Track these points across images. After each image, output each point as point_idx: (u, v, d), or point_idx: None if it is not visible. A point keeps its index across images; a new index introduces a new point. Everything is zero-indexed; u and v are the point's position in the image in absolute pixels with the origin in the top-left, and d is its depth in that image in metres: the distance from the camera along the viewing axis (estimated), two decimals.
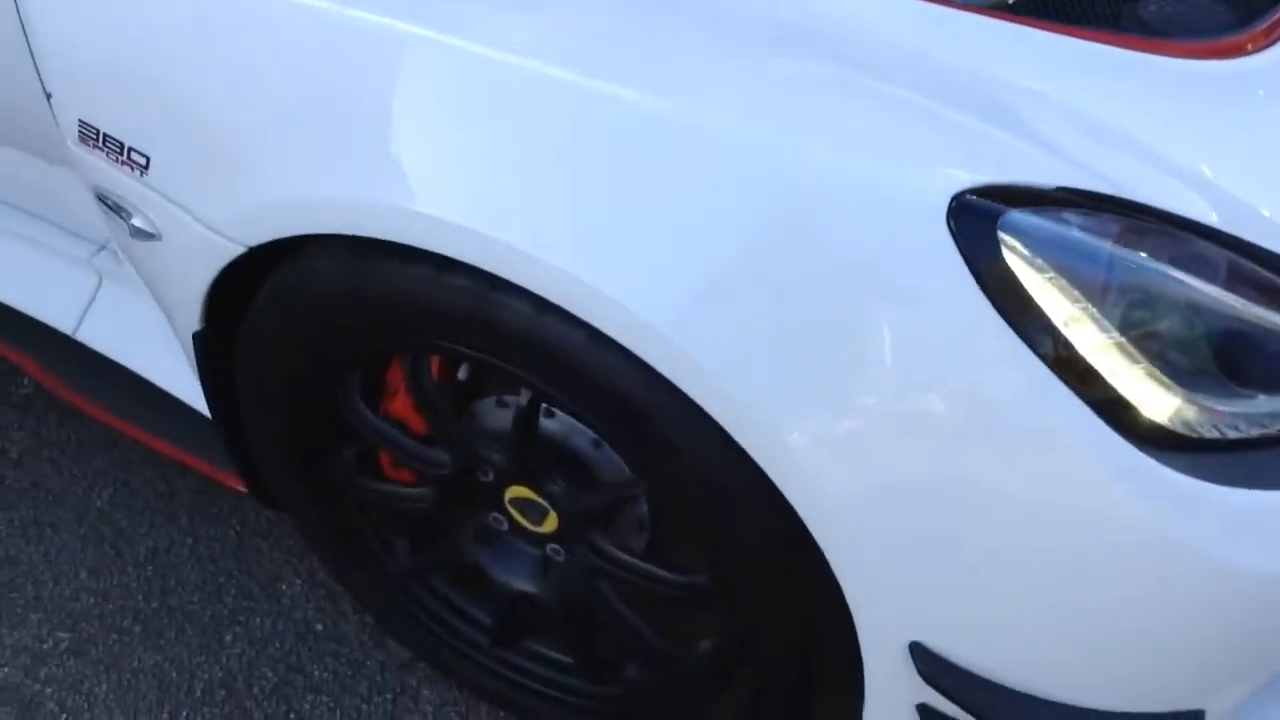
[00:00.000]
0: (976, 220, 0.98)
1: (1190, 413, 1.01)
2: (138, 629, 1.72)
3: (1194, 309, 1.02)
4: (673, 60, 1.10)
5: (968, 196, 0.99)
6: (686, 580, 1.27)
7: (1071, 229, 1.00)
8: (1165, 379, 1.01)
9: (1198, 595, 1.04)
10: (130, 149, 1.23)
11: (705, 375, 1.04)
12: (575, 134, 1.06)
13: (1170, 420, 1.01)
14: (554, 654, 1.50)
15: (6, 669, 1.68)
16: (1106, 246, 1.01)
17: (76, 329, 1.74)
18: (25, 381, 2.05)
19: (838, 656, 1.19)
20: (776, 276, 1.03)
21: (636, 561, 1.28)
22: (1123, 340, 1.00)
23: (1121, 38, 1.22)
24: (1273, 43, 1.18)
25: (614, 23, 1.11)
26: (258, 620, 1.73)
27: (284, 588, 1.77)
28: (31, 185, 1.72)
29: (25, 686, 1.65)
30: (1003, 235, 0.98)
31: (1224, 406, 1.02)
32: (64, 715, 1.63)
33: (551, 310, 1.07)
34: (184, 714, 1.63)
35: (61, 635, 1.72)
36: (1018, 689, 1.10)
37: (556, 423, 1.28)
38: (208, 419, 1.60)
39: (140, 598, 1.76)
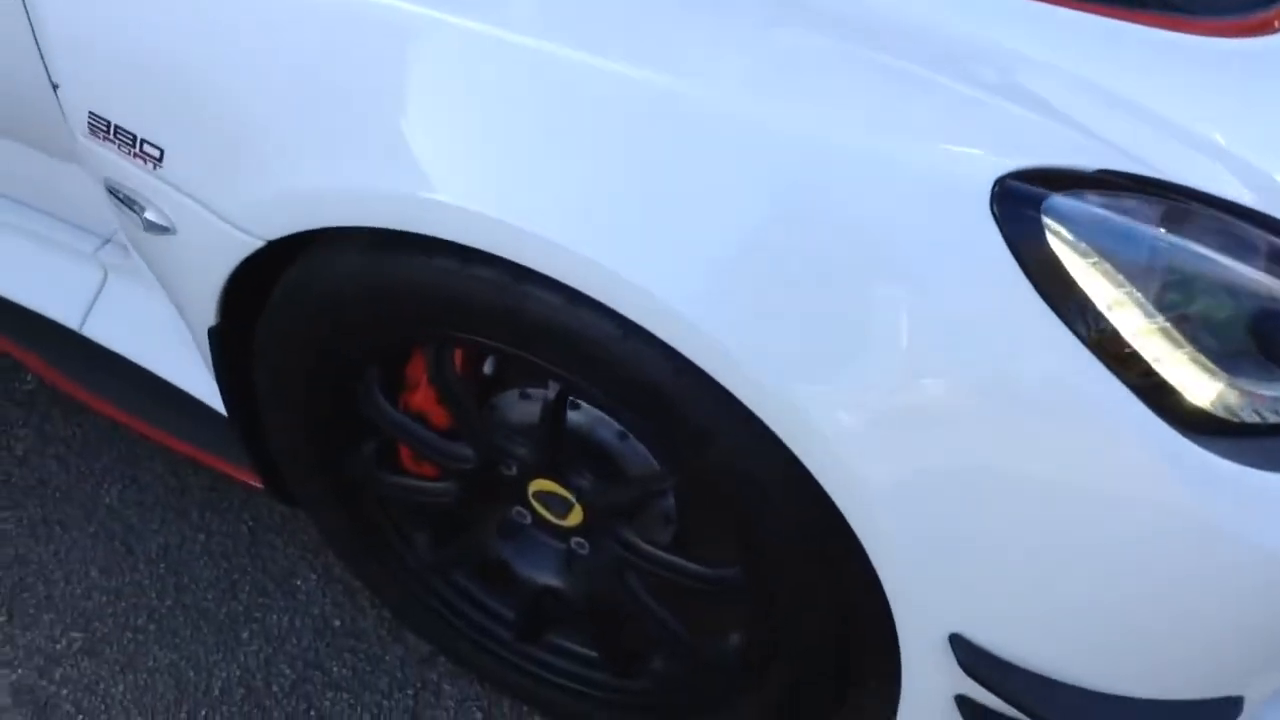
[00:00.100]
0: (1019, 204, 0.97)
1: (1232, 397, 1.00)
2: (152, 628, 1.70)
3: (1234, 292, 1.01)
4: (693, 41, 1.08)
5: (1010, 181, 0.97)
6: (717, 573, 1.25)
7: (1115, 213, 0.99)
8: (1208, 363, 0.99)
9: (1240, 581, 1.02)
10: (143, 141, 1.21)
11: (739, 364, 1.02)
12: (596, 119, 1.04)
13: (1212, 405, 1.00)
14: (578, 648, 1.48)
15: (20, 670, 1.65)
16: (1149, 230, 1.00)
17: (82, 324, 1.71)
18: (28, 377, 2.02)
19: (873, 649, 1.18)
20: (810, 263, 1.01)
21: (666, 555, 1.27)
22: (1167, 325, 0.99)
23: (1148, 16, 1.21)
24: None
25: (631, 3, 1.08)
26: (274, 617, 1.71)
27: (299, 583, 1.74)
28: (34, 178, 1.69)
29: (40, 688, 1.63)
30: (1046, 220, 0.97)
31: (1265, 390, 1.01)
32: (80, 717, 1.61)
33: (582, 301, 1.05)
34: (203, 713, 1.61)
35: (75, 635, 1.69)
36: (1060, 679, 1.08)
37: (581, 415, 1.26)
38: (219, 414, 1.58)
39: (154, 595, 1.73)
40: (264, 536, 1.80)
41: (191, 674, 1.65)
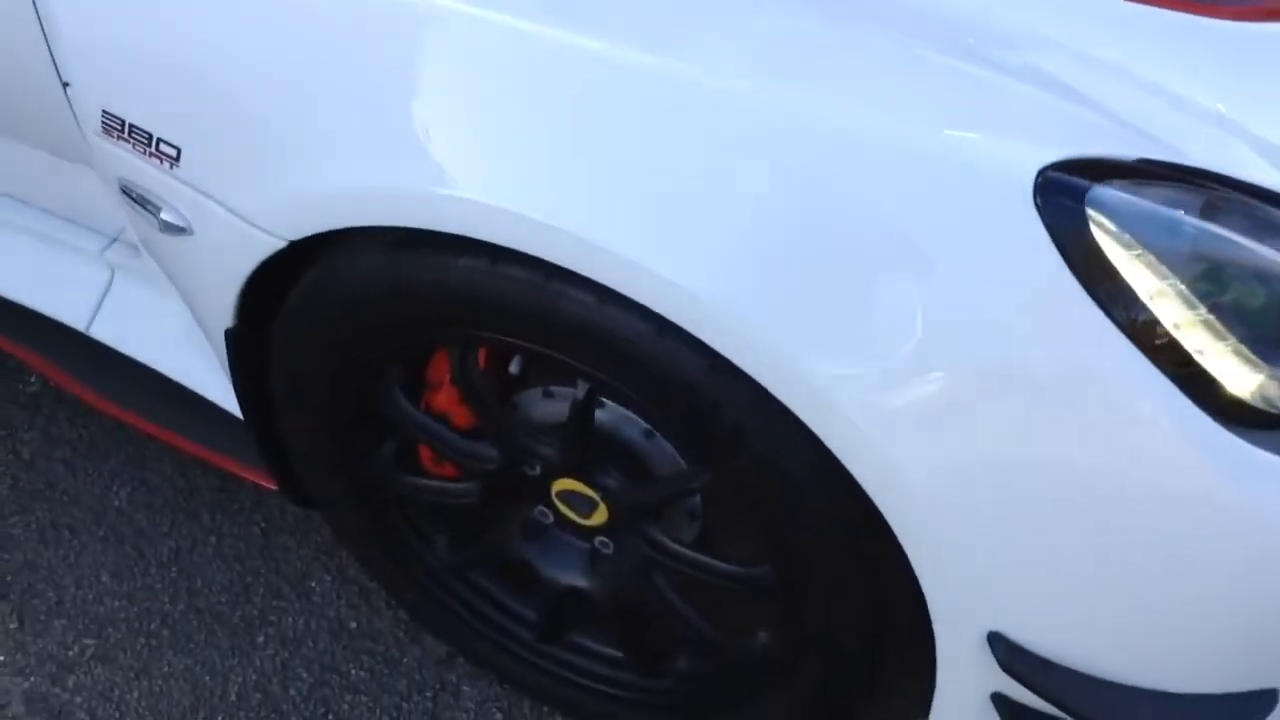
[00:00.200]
0: (1062, 196, 0.96)
1: (1272, 389, 0.99)
2: (166, 632, 1.68)
3: (1272, 280, 1.00)
4: (721, 32, 1.07)
5: (1052, 172, 0.96)
6: (747, 571, 1.24)
7: (1157, 204, 0.98)
8: (1250, 354, 0.99)
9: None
10: (159, 140, 1.18)
11: (775, 360, 1.00)
12: (626, 114, 1.03)
13: (1252, 396, 0.99)
14: (601, 647, 1.47)
15: (33, 678, 1.63)
16: (1191, 221, 0.99)
17: (90, 325, 1.69)
18: (32, 379, 2.00)
19: (908, 647, 1.17)
20: (846, 257, 1.00)
21: (696, 555, 1.25)
22: (1209, 317, 0.98)
23: (1173, 0, 1.20)
24: None
25: None
26: (289, 620, 1.69)
27: (314, 585, 1.72)
28: (39, 178, 1.66)
29: (54, 696, 1.61)
30: (1089, 211, 0.95)
31: None
32: None
33: (615, 299, 1.03)
34: (219, 719, 1.59)
35: (88, 641, 1.67)
36: (1099, 675, 1.07)
37: (606, 413, 1.24)
38: (229, 414, 1.56)
39: (166, 600, 1.71)
40: (277, 538, 1.78)
41: (207, 679, 1.63)
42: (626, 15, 1.06)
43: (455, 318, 1.14)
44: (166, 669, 1.64)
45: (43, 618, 1.70)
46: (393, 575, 1.53)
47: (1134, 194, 0.97)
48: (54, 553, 1.77)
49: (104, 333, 1.67)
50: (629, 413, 1.23)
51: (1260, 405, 0.99)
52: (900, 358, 0.99)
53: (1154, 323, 0.96)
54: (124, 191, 1.29)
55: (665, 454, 1.25)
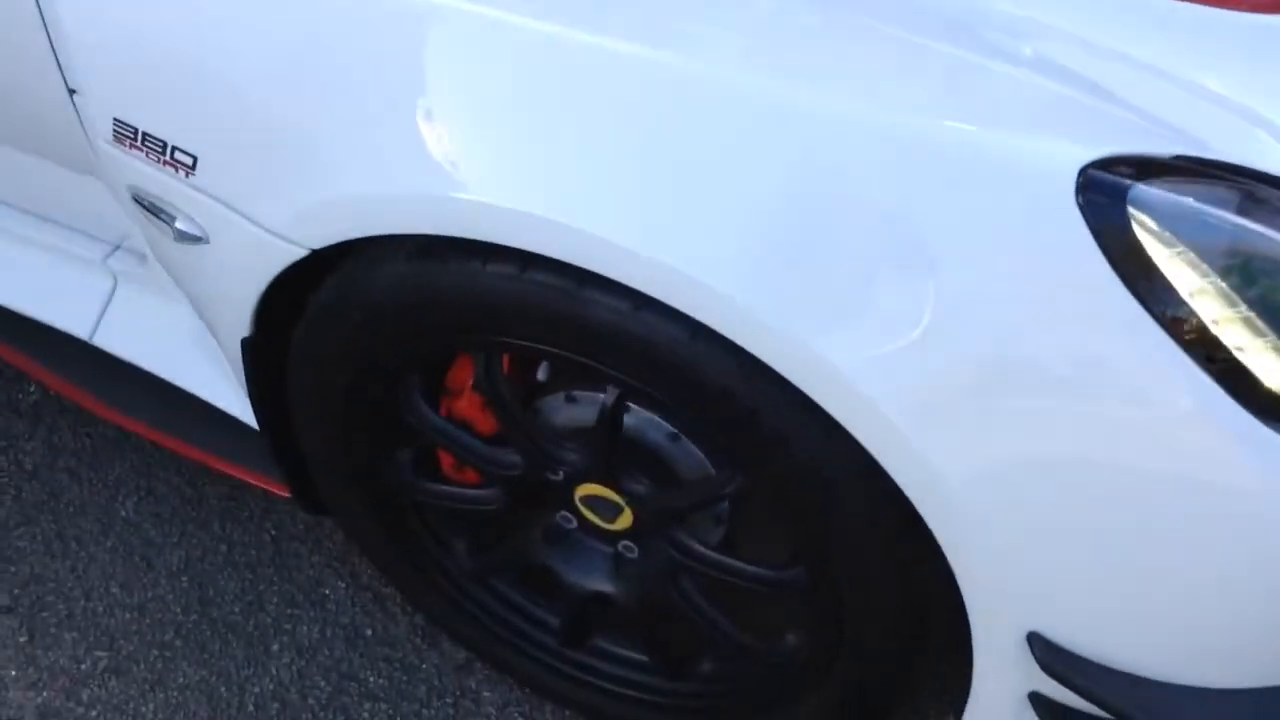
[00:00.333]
0: (1103, 194, 0.95)
1: None
2: (179, 643, 1.66)
3: None
4: (748, 31, 1.06)
5: (1093, 171, 0.95)
6: (778, 575, 1.23)
7: (1196, 201, 0.97)
8: None
9: None
10: (174, 148, 1.16)
11: (815, 363, 0.99)
12: (653, 117, 1.01)
13: None
14: (624, 651, 1.46)
15: (46, 693, 1.61)
16: (1229, 217, 0.99)
17: (93, 334, 1.66)
18: (32, 388, 1.97)
19: (944, 648, 1.16)
20: (884, 256, 0.99)
21: (727, 559, 1.24)
22: (1249, 314, 0.97)
23: None
24: None
25: None
26: (304, 628, 1.67)
27: (328, 592, 1.71)
28: (37, 185, 1.64)
29: (68, 710, 1.59)
30: (1131, 210, 0.95)
31: None
32: None
33: (647, 304, 1.02)
34: None
35: (100, 654, 1.65)
36: (1139, 673, 1.07)
37: (631, 417, 1.23)
38: (236, 421, 1.54)
39: (178, 610, 1.69)
40: (288, 545, 1.76)
41: (224, 690, 1.61)
42: (654, 16, 1.04)
43: (482, 325, 1.12)
44: (182, 680, 1.62)
45: (53, 631, 1.67)
46: (411, 581, 1.52)
47: (1175, 192, 0.96)
48: (61, 564, 1.75)
49: (108, 341, 1.64)
50: (654, 416, 1.22)
51: None
52: (939, 358, 0.99)
53: (1194, 320, 0.96)
54: (135, 200, 1.26)
55: (691, 458, 1.23)
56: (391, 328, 1.17)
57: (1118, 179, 0.95)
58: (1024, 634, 1.07)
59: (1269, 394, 0.97)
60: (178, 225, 1.21)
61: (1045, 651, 1.07)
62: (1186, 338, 0.96)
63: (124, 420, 1.68)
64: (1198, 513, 0.99)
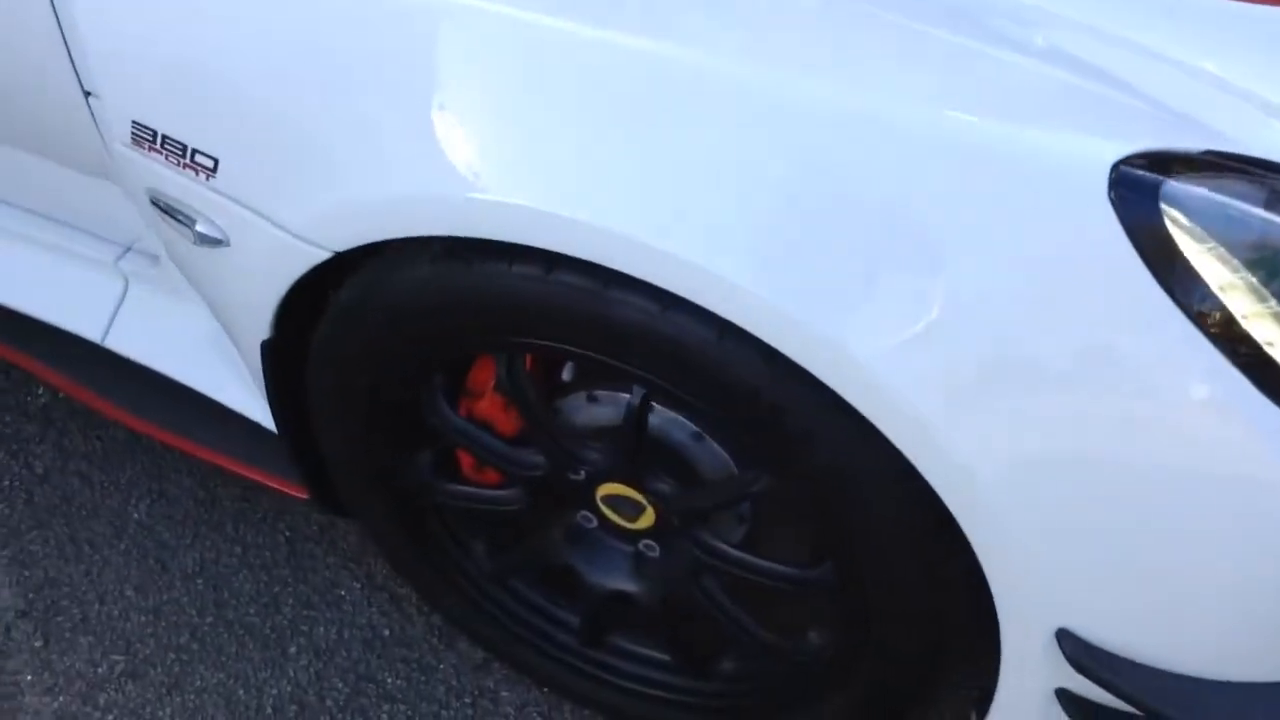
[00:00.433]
0: (1135, 190, 0.95)
1: None
2: (195, 646, 1.65)
3: None
4: (782, 31, 1.05)
5: (1124, 167, 0.95)
6: (803, 573, 1.22)
7: (1227, 197, 0.97)
8: None
9: None
10: (194, 151, 1.15)
11: (843, 361, 0.99)
12: (680, 115, 1.01)
13: None
14: (644, 650, 1.46)
15: (62, 697, 1.60)
16: (1258, 213, 0.98)
17: (105, 337, 1.66)
18: (40, 391, 1.96)
19: (971, 644, 1.16)
20: (912, 250, 0.98)
21: (753, 558, 1.24)
22: (1279, 309, 0.97)
23: None
24: None
25: None
26: (321, 629, 1.66)
27: (344, 594, 1.70)
28: (47, 188, 1.63)
29: (85, 715, 1.58)
30: (1163, 205, 0.94)
31: None
32: None
33: (675, 304, 1.02)
34: None
35: (116, 658, 1.64)
36: (1169, 668, 1.07)
37: (654, 416, 1.23)
38: (249, 422, 1.54)
39: (194, 613, 1.69)
40: (302, 547, 1.76)
41: (241, 693, 1.61)
42: (678, 14, 1.04)
43: (508, 326, 1.11)
44: (199, 684, 1.61)
45: (68, 635, 1.67)
46: (431, 582, 1.51)
47: (1206, 188, 0.96)
48: (75, 568, 1.74)
49: (120, 344, 1.64)
50: (678, 416, 1.22)
51: None
52: (967, 353, 0.98)
53: (1224, 314, 0.96)
54: (153, 203, 1.26)
55: (714, 457, 1.23)
56: (415, 329, 1.16)
57: (1150, 175, 0.95)
58: (1053, 631, 1.07)
59: None
60: (198, 228, 1.21)
61: (1075, 648, 1.07)
62: (1216, 332, 0.96)
63: (136, 422, 1.67)
64: (1227, 507, 0.99)
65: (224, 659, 1.64)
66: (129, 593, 1.71)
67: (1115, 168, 0.94)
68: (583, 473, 1.27)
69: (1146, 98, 1.07)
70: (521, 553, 1.43)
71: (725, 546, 1.25)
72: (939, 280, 0.98)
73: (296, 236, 1.12)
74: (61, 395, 1.92)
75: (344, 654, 1.64)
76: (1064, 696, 1.13)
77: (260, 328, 1.26)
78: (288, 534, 1.77)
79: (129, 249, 1.65)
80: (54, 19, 1.22)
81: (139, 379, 1.64)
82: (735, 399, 1.05)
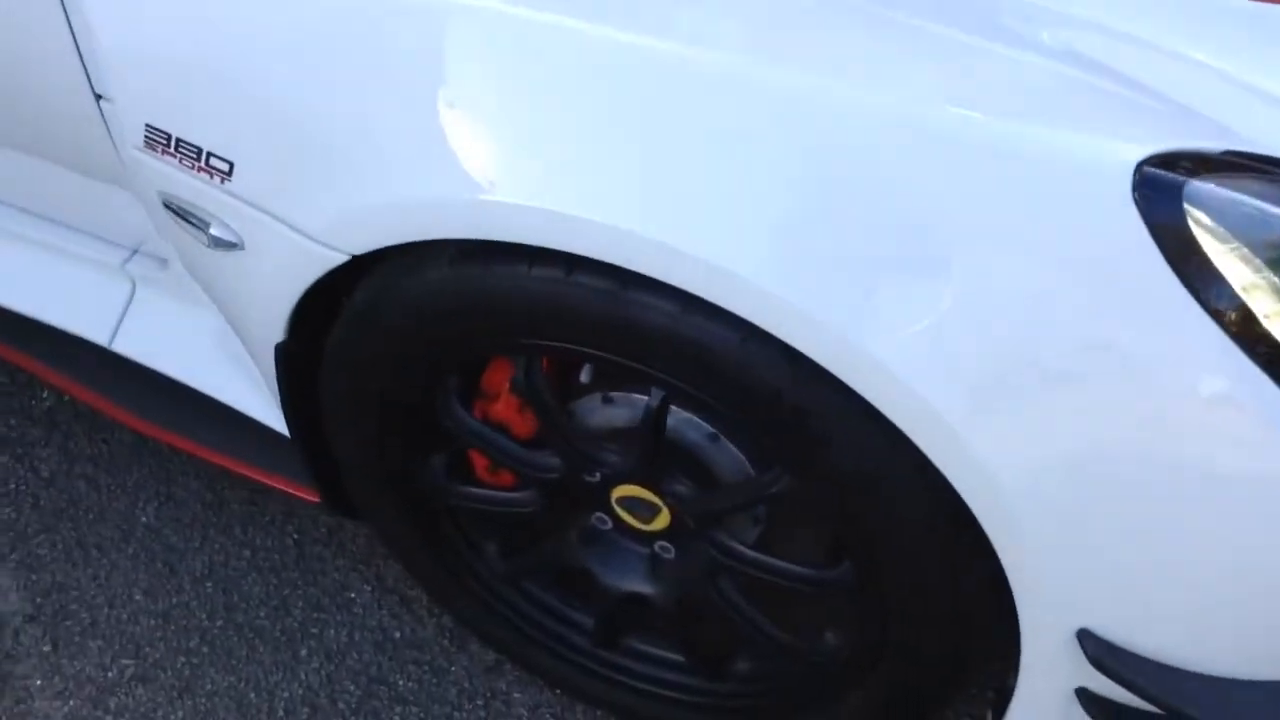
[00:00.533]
0: (1159, 190, 0.95)
1: None
2: (205, 650, 1.65)
3: None
4: (795, 30, 1.05)
5: (1148, 168, 0.95)
6: (820, 574, 1.22)
7: (1249, 197, 0.97)
8: None
9: None
10: (209, 155, 1.15)
11: (867, 361, 0.99)
12: (700, 116, 1.01)
13: None
14: (658, 651, 1.45)
15: (73, 701, 1.60)
16: (1278, 212, 0.98)
17: (112, 340, 1.65)
18: (45, 394, 1.95)
19: (991, 644, 1.16)
20: (931, 251, 0.98)
21: (770, 559, 1.23)
22: None
23: None
24: None
25: None
26: (331, 632, 1.66)
27: (354, 596, 1.70)
28: (54, 191, 1.62)
29: (96, 719, 1.58)
30: (1186, 206, 0.95)
31: None
32: None
33: (696, 306, 1.01)
34: None
35: (125, 662, 1.64)
36: (1190, 668, 1.07)
37: (671, 418, 1.22)
38: (258, 425, 1.53)
39: (203, 616, 1.68)
40: (311, 549, 1.75)
41: (253, 696, 1.60)
42: (700, 16, 1.04)
43: (527, 328, 1.11)
44: (210, 687, 1.61)
45: (77, 639, 1.66)
46: (444, 585, 1.51)
47: (1228, 188, 0.96)
48: (83, 572, 1.73)
49: (127, 347, 1.63)
50: (693, 417, 1.21)
51: None
52: (989, 353, 0.98)
53: (1246, 314, 0.96)
54: (166, 206, 1.25)
55: (729, 458, 1.23)
56: (432, 332, 1.16)
57: (1174, 176, 0.95)
58: (1074, 631, 1.07)
59: None
60: (212, 231, 1.20)
61: (1096, 648, 1.07)
62: (1238, 332, 0.96)
63: (143, 425, 1.66)
64: (1249, 506, 0.99)
65: (234, 662, 1.63)
66: (138, 596, 1.70)
67: (1139, 168, 0.94)
68: (598, 475, 1.27)
69: (1160, 96, 1.08)
70: (536, 555, 1.43)
71: (742, 548, 1.25)
72: (962, 281, 0.98)
73: (313, 240, 1.12)
74: (66, 398, 1.92)
75: (355, 656, 1.64)
76: (1084, 696, 1.13)
77: (274, 331, 1.26)
78: (296, 537, 1.77)
79: (136, 252, 1.64)
80: (65, 22, 1.22)
81: (144, 382, 1.63)
82: (757, 401, 1.05)
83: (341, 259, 1.12)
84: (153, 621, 1.68)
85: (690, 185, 0.99)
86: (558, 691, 1.59)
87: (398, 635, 1.66)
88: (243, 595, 1.70)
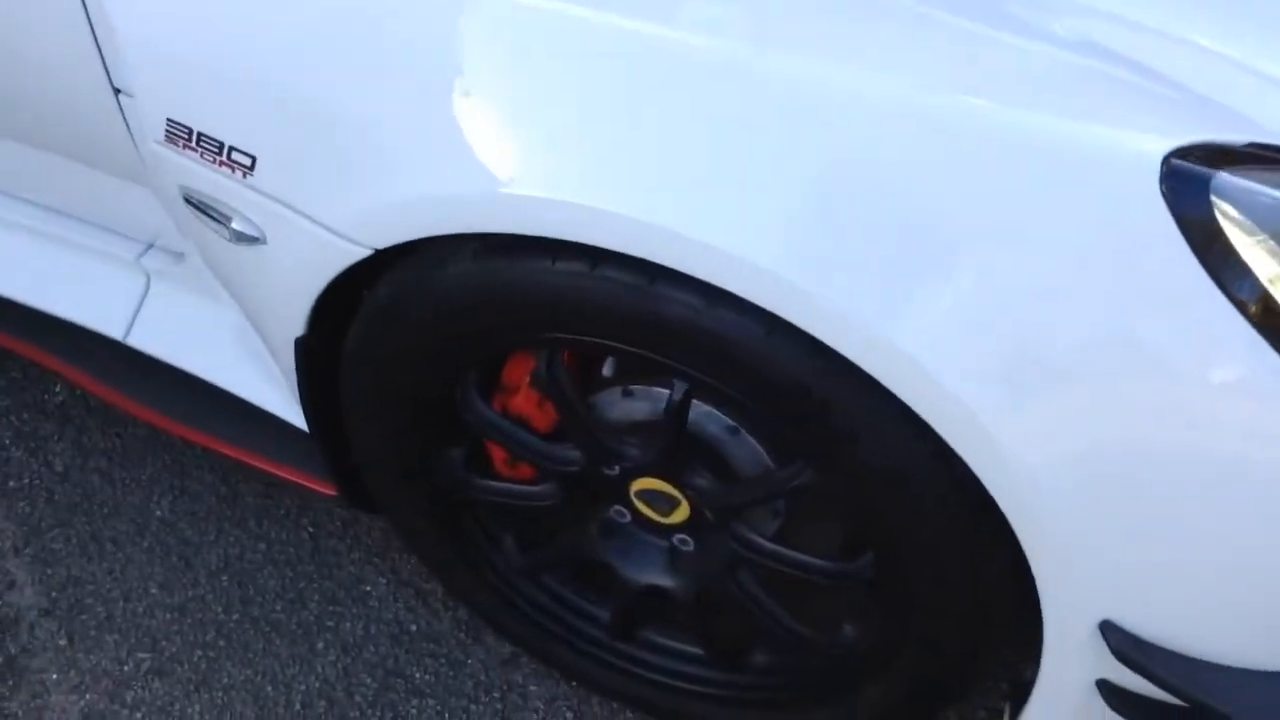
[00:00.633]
0: (1186, 183, 0.95)
1: None
2: (222, 643, 1.65)
3: None
4: (826, 23, 1.05)
5: (1176, 160, 0.95)
6: (840, 567, 1.22)
7: (1276, 189, 0.97)
8: None
9: None
10: (232, 149, 1.15)
11: (898, 356, 0.99)
12: (726, 108, 1.01)
13: None
14: (677, 644, 1.46)
15: (89, 695, 1.60)
16: None
17: (127, 334, 1.65)
18: (58, 388, 1.95)
19: (1011, 637, 1.16)
20: (958, 243, 0.98)
21: (792, 551, 1.24)
22: None
23: None
24: None
25: None
26: (347, 625, 1.66)
27: (369, 589, 1.70)
28: (68, 185, 1.62)
29: (113, 713, 1.58)
30: (1213, 198, 0.95)
31: None
32: None
33: (721, 299, 1.02)
34: None
35: (142, 656, 1.64)
36: (1215, 659, 1.07)
37: (690, 410, 1.22)
38: (273, 418, 1.54)
39: (219, 610, 1.68)
40: (326, 543, 1.76)
41: (270, 689, 1.60)
42: (723, 8, 1.04)
43: (550, 322, 1.11)
44: (226, 680, 1.61)
45: (93, 633, 1.66)
46: (462, 578, 1.51)
47: (1255, 181, 0.96)
48: (98, 566, 1.74)
49: (142, 341, 1.63)
50: (713, 410, 1.21)
51: None
52: (1015, 345, 0.98)
53: (1273, 305, 0.96)
54: (187, 201, 1.25)
55: (748, 451, 1.23)
56: (455, 327, 1.16)
57: (1202, 168, 0.95)
58: (1097, 622, 1.08)
59: None
60: (234, 226, 1.20)
61: (1120, 640, 1.07)
62: (1265, 324, 0.96)
63: (159, 419, 1.66)
64: (1274, 497, 0.99)
65: (251, 655, 1.63)
66: (153, 590, 1.71)
67: (1166, 161, 0.94)
68: (617, 468, 1.27)
69: (1180, 87, 1.08)
70: (554, 548, 1.43)
71: (763, 540, 1.25)
72: (988, 273, 0.98)
73: (336, 234, 1.12)
74: (79, 392, 1.92)
75: (371, 649, 1.64)
76: (1105, 687, 1.13)
77: (294, 326, 1.26)
78: (311, 530, 1.77)
79: (151, 245, 1.64)
80: (84, 16, 1.22)
81: (157, 376, 1.63)
82: (783, 395, 1.05)
83: (365, 253, 1.12)
84: (169, 615, 1.68)
85: (711, 176, 0.99)
86: (574, 684, 1.59)
87: (414, 628, 1.66)
88: (258, 588, 1.71)
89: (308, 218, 1.13)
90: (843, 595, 1.27)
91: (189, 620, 1.67)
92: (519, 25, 1.04)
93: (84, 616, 1.68)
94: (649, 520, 1.33)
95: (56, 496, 1.82)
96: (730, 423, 1.22)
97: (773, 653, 1.39)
